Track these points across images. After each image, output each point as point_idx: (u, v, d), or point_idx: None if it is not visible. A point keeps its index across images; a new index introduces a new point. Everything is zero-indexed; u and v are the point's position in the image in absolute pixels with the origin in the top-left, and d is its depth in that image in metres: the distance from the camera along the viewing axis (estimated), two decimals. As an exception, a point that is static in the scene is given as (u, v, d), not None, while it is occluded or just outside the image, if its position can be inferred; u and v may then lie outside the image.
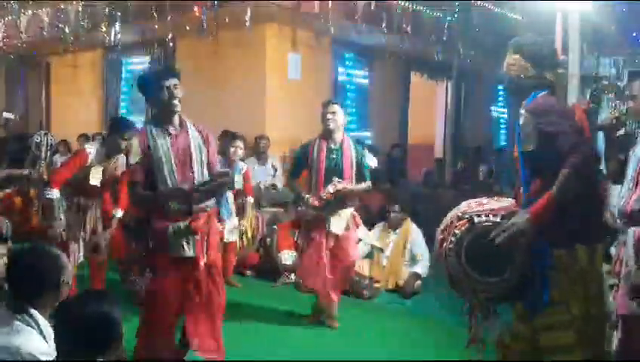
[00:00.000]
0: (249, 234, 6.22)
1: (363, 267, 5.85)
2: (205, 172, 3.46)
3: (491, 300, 2.79)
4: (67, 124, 10.34)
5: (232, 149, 5.67)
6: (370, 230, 6.22)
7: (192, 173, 3.40)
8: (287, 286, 5.90)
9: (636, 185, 2.92)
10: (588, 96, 9.24)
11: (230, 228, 5.72)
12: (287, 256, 6.22)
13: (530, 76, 2.74)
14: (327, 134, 4.55)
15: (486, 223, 2.64)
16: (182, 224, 3.33)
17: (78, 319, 1.94)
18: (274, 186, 7.12)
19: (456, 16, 8.00)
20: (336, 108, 4.53)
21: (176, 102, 3.35)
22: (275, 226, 6.46)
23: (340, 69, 9.22)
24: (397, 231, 5.96)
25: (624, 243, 2.95)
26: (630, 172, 3.00)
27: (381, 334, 4.64)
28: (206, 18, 7.33)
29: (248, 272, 6.39)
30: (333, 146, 4.54)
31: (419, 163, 10.28)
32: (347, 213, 4.60)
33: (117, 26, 7.81)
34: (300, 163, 4.70)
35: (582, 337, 2.59)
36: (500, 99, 12.42)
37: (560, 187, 2.49)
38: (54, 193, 4.38)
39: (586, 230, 2.63)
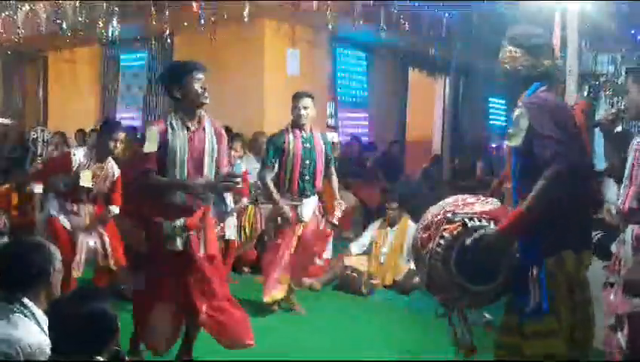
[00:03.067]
0: (247, 231, 6.23)
1: (361, 263, 5.87)
2: (213, 170, 3.46)
3: (468, 306, 2.75)
4: (64, 120, 10.31)
5: (231, 152, 5.76)
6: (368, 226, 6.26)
7: (203, 170, 3.42)
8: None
9: (632, 182, 2.94)
10: (585, 93, 9.24)
11: (230, 226, 5.79)
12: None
13: (527, 65, 2.67)
14: (298, 126, 4.66)
15: (479, 228, 2.51)
16: (178, 222, 3.36)
17: (74, 317, 1.94)
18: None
19: (454, 12, 7.99)
20: (308, 102, 4.65)
21: (204, 97, 3.37)
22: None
23: (339, 66, 9.21)
24: (395, 227, 5.97)
25: (624, 241, 2.93)
26: (627, 170, 3.00)
27: (379, 330, 4.65)
28: (204, 14, 7.31)
29: (245, 269, 6.39)
30: (305, 135, 4.67)
31: (417, 159, 10.28)
32: (314, 201, 4.74)
33: (115, 21, 7.78)
34: (276, 153, 4.66)
35: (569, 344, 2.55)
36: (499, 95, 12.41)
37: (531, 201, 2.43)
38: (37, 187, 4.59)
39: (574, 237, 2.57)
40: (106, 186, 4.70)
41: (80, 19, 7.67)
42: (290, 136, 4.64)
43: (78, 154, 4.58)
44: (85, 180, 4.50)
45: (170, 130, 3.35)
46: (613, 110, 3.17)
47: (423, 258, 2.64)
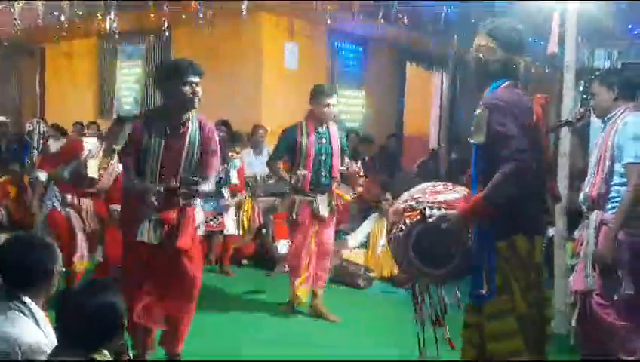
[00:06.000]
0: (245, 225, 6.27)
1: (358, 256, 5.91)
2: (193, 172, 3.40)
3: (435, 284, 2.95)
4: (62, 113, 10.29)
5: (230, 154, 5.87)
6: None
7: (177, 172, 3.37)
8: (284, 275, 5.94)
9: (599, 170, 3.11)
10: (581, 89, 9.26)
11: (230, 221, 5.90)
12: (283, 246, 6.27)
13: (498, 59, 2.71)
14: (317, 119, 4.47)
15: (436, 217, 2.67)
16: (154, 216, 3.35)
17: (84, 310, 1.94)
18: (270, 176, 7.13)
19: (452, 7, 8.01)
20: (335, 99, 4.48)
21: (196, 100, 3.33)
22: (271, 216, 6.49)
23: (337, 59, 9.22)
24: (392, 221, 5.99)
25: (587, 225, 3.13)
26: (593, 160, 3.16)
27: (376, 323, 4.68)
28: (202, 7, 7.31)
29: (244, 262, 6.43)
30: (320, 130, 4.48)
31: (415, 153, 10.31)
32: (329, 196, 4.58)
33: (113, 14, 7.77)
34: (286, 146, 4.52)
35: (524, 322, 2.69)
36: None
37: (489, 191, 2.57)
38: (41, 175, 4.51)
39: (526, 223, 2.68)
40: (110, 181, 4.70)
41: (78, 11, 7.67)
42: (304, 130, 4.43)
43: (89, 143, 4.60)
44: (91, 170, 4.50)
45: (145, 132, 3.32)
46: (581, 109, 3.31)
47: (390, 242, 2.88)
